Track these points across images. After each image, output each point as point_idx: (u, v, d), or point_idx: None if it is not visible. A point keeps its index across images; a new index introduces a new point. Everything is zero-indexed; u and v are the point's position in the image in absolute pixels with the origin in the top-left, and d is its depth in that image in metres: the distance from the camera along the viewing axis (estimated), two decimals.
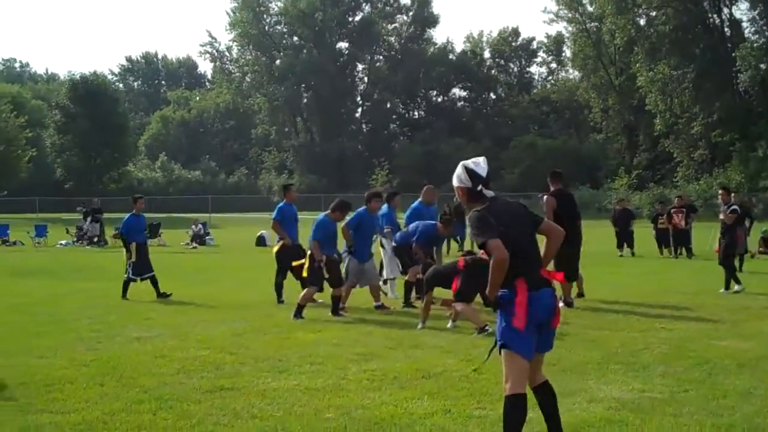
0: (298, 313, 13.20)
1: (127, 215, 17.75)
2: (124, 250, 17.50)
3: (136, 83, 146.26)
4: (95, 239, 37.82)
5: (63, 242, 38.44)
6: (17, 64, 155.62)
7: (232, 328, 12.20)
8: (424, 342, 10.86)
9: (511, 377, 5.80)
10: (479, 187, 6.14)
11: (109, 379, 8.73)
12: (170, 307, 15.13)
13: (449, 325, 12.15)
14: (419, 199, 16.18)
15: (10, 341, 11.25)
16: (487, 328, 10.94)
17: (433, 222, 14.94)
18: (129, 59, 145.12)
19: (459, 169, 6.22)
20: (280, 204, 16.45)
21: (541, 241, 6.18)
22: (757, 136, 66.07)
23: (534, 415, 6.19)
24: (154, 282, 16.94)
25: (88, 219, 38.63)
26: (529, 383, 6.02)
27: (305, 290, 13.68)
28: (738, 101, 71.43)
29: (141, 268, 17.05)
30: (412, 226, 15.00)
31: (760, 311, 13.55)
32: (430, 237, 14.56)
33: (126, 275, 16.96)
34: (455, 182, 6.25)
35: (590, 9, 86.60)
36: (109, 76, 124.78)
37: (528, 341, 5.82)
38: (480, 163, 6.22)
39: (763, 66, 69.12)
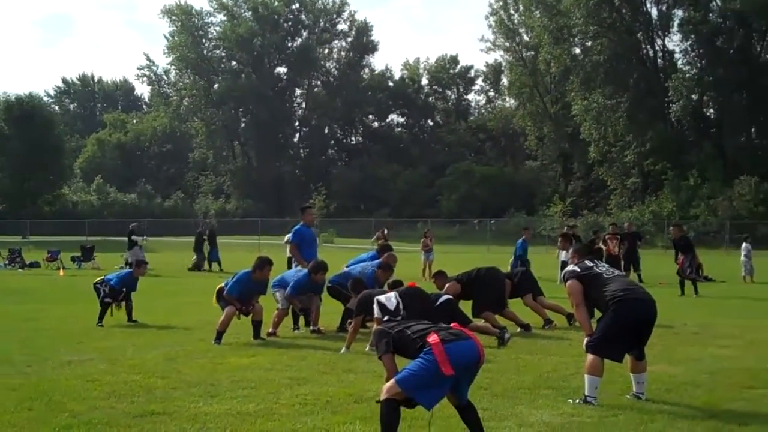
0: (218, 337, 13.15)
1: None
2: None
3: (72, 105, 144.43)
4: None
5: None
6: None
7: (165, 353, 12.06)
8: (357, 367, 10.86)
9: (392, 395, 6.51)
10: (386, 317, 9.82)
11: (38, 404, 8.58)
12: (102, 331, 14.90)
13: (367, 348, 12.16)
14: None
15: None
16: None
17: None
18: (65, 81, 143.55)
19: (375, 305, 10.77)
20: (297, 226, 16.17)
21: None
22: (688, 165, 67.53)
23: None
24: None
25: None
26: (453, 404, 6.86)
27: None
28: (670, 131, 72.96)
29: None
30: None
31: (689, 337, 13.78)
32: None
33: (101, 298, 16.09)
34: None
35: (526, 38, 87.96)
36: (45, 98, 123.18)
37: (434, 394, 6.58)
38: (391, 298, 10.97)
39: (694, 96, 70.86)
